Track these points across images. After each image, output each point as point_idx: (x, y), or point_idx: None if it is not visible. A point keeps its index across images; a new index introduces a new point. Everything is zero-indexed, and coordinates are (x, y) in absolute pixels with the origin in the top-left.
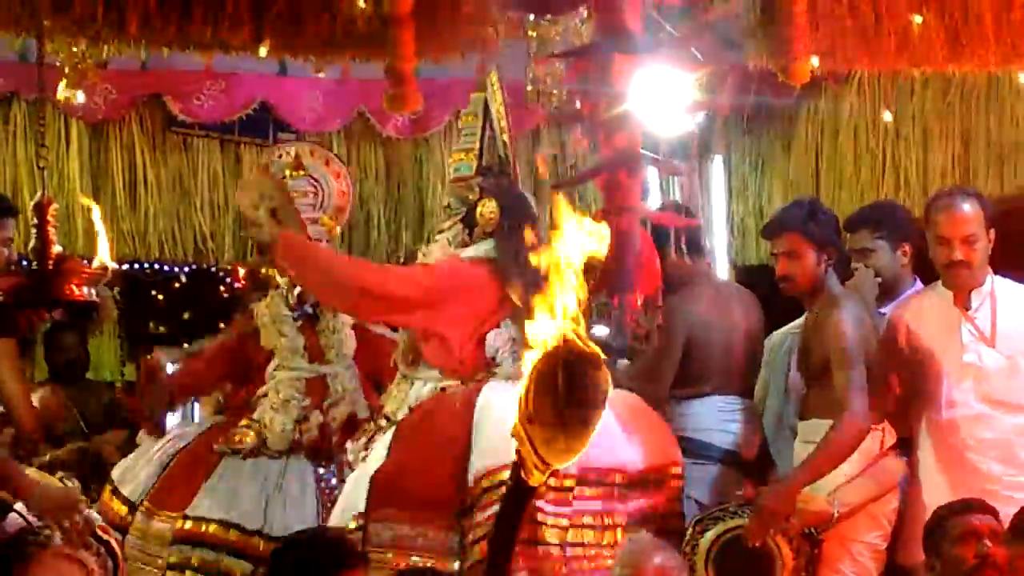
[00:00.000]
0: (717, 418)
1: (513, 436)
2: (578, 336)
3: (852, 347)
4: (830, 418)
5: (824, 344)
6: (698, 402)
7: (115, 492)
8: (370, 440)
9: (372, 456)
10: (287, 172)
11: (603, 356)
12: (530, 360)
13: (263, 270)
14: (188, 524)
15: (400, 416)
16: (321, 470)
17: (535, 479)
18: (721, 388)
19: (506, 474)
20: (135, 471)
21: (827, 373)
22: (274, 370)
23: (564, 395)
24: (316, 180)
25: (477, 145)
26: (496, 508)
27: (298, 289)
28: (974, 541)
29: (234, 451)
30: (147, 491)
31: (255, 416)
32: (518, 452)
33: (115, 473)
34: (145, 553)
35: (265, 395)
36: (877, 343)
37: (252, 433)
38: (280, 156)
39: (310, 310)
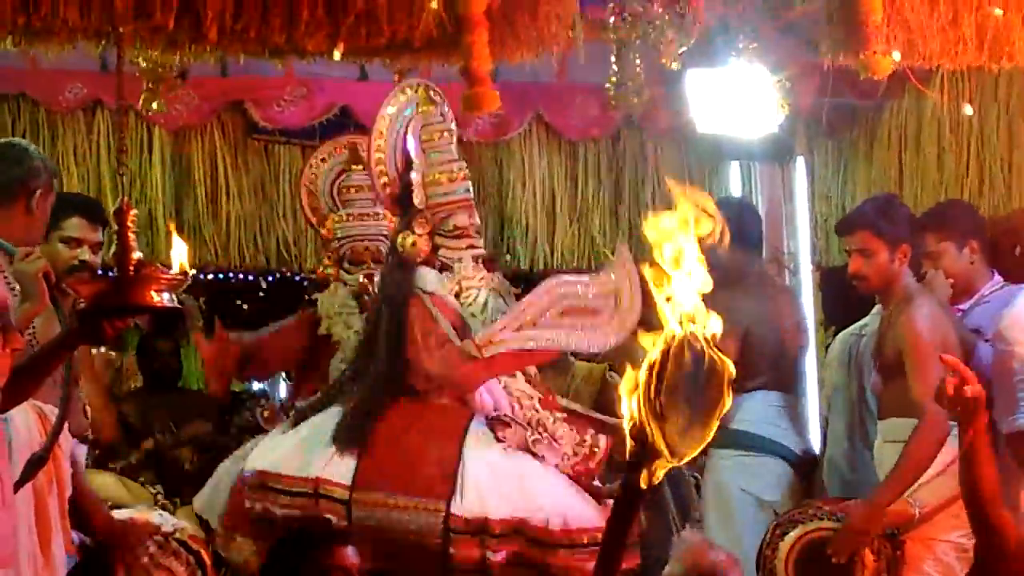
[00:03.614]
0: (766, 413)
1: (632, 436)
2: (698, 333)
3: (926, 347)
4: (908, 416)
5: (898, 343)
6: (748, 396)
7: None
8: None
9: None
10: (345, 167)
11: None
12: (651, 357)
13: (322, 270)
14: None
15: None
16: None
17: (657, 476)
18: (770, 384)
19: None
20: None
21: (903, 372)
22: (340, 363)
23: (696, 386)
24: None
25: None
26: None
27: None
28: None
29: None
30: None
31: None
32: (634, 454)
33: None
34: None
35: None
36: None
37: None
38: (336, 151)
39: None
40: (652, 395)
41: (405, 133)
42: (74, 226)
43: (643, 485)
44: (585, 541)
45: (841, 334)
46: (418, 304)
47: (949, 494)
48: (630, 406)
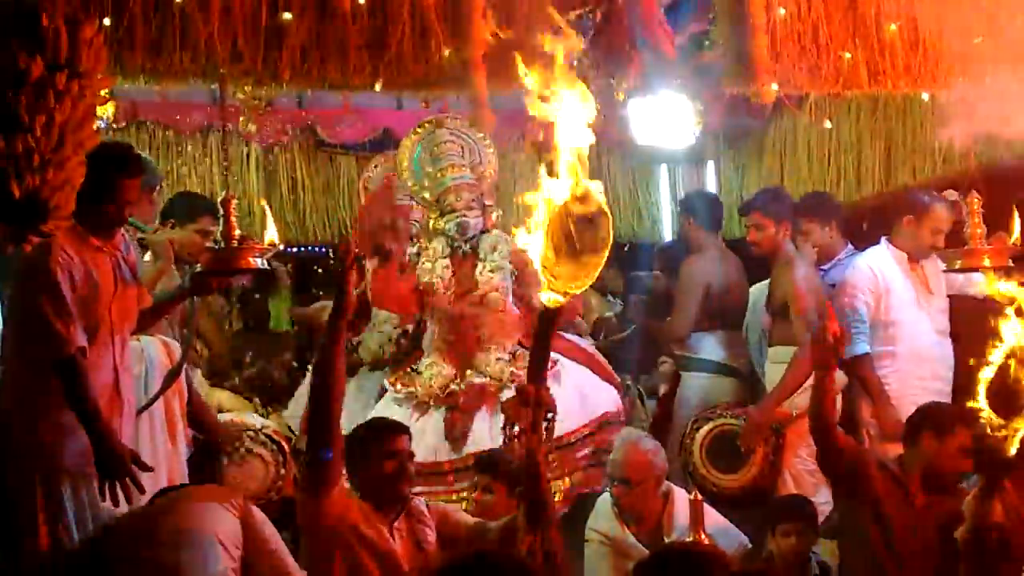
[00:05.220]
0: (719, 346)
1: (542, 272)
2: (583, 193)
3: (803, 294)
4: (789, 344)
5: (783, 291)
6: (706, 334)
7: None
8: None
9: None
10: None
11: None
12: (546, 215)
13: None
14: None
15: None
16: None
17: (557, 303)
18: (721, 325)
19: None
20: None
21: (785, 312)
22: None
23: (578, 239)
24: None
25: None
26: None
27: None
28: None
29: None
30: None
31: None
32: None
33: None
34: None
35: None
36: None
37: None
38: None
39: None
40: (553, 240)
41: (418, 152)
42: (206, 222)
43: (550, 307)
44: None
45: (751, 288)
46: None
47: None
48: (539, 251)
